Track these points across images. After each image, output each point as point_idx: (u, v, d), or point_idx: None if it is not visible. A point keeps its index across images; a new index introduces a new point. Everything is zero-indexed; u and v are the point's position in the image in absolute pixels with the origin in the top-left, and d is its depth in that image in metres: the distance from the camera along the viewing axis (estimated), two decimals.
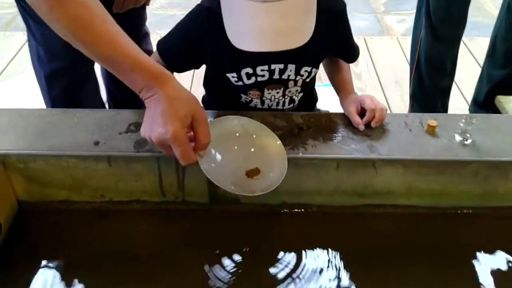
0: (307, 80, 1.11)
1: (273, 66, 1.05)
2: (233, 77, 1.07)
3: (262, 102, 1.12)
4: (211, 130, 0.86)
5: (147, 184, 0.98)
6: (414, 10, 1.84)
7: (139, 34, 1.43)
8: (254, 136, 0.97)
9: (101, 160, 0.94)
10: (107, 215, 1.01)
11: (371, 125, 1.02)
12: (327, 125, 1.04)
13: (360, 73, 2.51)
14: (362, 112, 1.05)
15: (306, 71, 1.08)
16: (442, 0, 1.64)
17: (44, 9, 0.78)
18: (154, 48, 1.41)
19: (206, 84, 1.23)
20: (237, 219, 1.02)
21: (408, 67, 2.05)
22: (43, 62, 1.28)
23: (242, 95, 1.11)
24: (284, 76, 1.07)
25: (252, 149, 0.97)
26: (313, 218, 1.02)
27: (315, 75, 1.14)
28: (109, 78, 1.48)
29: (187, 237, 1.01)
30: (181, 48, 1.09)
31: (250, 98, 1.11)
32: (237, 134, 0.97)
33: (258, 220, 1.02)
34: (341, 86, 1.16)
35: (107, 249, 0.99)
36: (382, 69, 2.55)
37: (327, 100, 1.50)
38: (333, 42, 1.12)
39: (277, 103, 1.13)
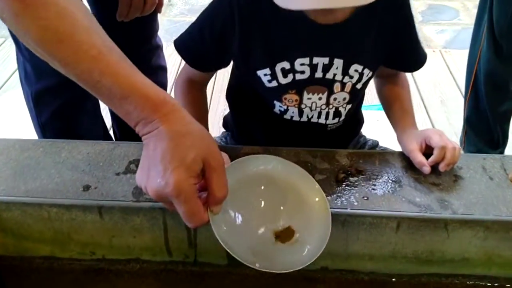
0: (358, 86, 0.88)
1: (315, 60, 0.83)
2: (265, 74, 0.85)
3: (301, 113, 0.89)
4: (229, 176, 0.63)
5: (148, 241, 0.76)
6: (454, 20, 1.59)
7: (149, 47, 1.22)
8: (287, 186, 0.73)
9: (91, 210, 0.73)
10: (99, 275, 0.80)
11: (439, 168, 0.78)
12: (382, 169, 0.81)
13: None
14: (426, 152, 0.81)
15: (356, 71, 0.86)
16: (509, 10, 1.38)
17: (8, 16, 0.57)
18: (169, 63, 1.20)
19: (230, 94, 1.02)
20: (260, 286, 0.79)
21: (454, 84, 1.80)
22: (30, 81, 1.08)
23: (275, 102, 0.89)
24: (329, 75, 0.85)
25: (283, 207, 0.72)
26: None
27: (367, 81, 0.90)
28: None
29: None
30: (204, 40, 0.86)
31: (285, 107, 0.89)
32: (264, 183, 0.73)
33: None
34: (400, 116, 0.93)
35: None
36: (424, 86, 2.30)
37: (371, 125, 1.27)
38: (393, 38, 0.88)
39: (319, 115, 0.90)
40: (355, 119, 1.05)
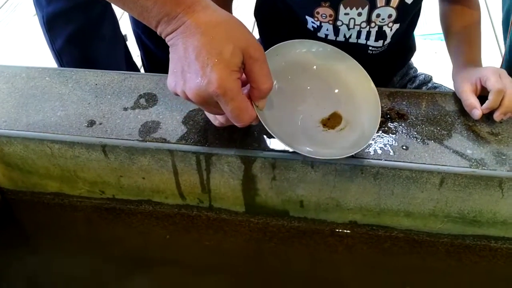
0: (407, 0, 0.73)
1: None
2: None
3: (336, 31, 0.77)
4: (270, 65, 0.55)
5: (159, 183, 0.70)
6: None
7: None
8: (331, 71, 0.66)
9: (94, 148, 0.66)
10: (111, 214, 0.76)
11: (494, 117, 0.65)
12: (429, 112, 0.68)
13: None
14: (483, 94, 0.68)
15: None
16: None
17: None
18: None
19: (259, 10, 0.90)
20: (282, 239, 0.72)
21: None
22: (41, 3, 0.99)
23: (307, 18, 0.77)
24: None
25: (328, 93, 0.66)
26: (396, 245, 0.70)
27: None
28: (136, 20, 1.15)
29: (215, 255, 0.74)
30: None
31: (319, 23, 0.77)
32: (307, 69, 0.66)
33: (314, 244, 0.72)
34: (461, 47, 0.77)
35: (113, 255, 0.75)
36: (497, 8, 2.04)
37: (427, 57, 1.12)
38: None
39: (359, 34, 0.77)
40: (406, 45, 0.90)
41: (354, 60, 0.65)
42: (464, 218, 0.66)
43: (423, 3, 0.80)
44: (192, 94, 0.52)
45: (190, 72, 0.51)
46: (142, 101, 0.70)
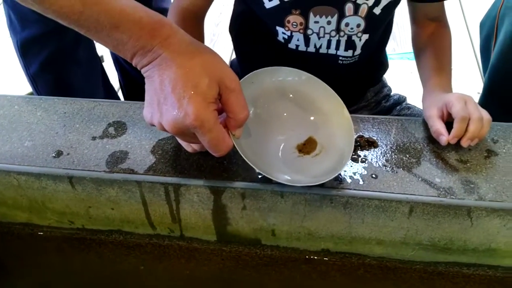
0: (375, 10, 0.74)
1: None
2: None
3: (307, 40, 0.78)
4: (245, 92, 0.56)
5: (128, 213, 0.69)
6: None
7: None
8: (310, 97, 0.66)
9: (61, 180, 0.65)
10: (82, 244, 0.74)
11: (461, 143, 0.65)
12: (399, 140, 0.68)
13: None
14: (450, 120, 0.68)
15: None
16: None
17: None
18: None
19: (233, 25, 0.92)
20: (256, 267, 0.71)
21: None
22: (15, 29, 0.99)
23: (278, 28, 0.78)
24: None
25: (302, 120, 0.66)
26: (368, 273, 0.70)
27: (389, 7, 0.75)
28: None
29: (188, 285, 0.73)
30: None
31: (290, 33, 0.77)
32: (281, 96, 0.66)
33: (287, 271, 0.71)
34: (428, 73, 0.78)
35: (85, 284, 0.74)
36: (476, 29, 2.06)
37: (402, 77, 1.12)
38: None
39: (329, 44, 0.78)
40: (377, 59, 0.91)
41: (329, 88, 0.66)
42: (435, 246, 0.66)
43: (400, 22, 0.81)
44: (169, 126, 0.52)
45: (166, 104, 0.51)
46: (111, 129, 0.70)
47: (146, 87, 0.54)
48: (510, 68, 1.17)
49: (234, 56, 0.98)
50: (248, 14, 0.84)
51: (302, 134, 0.66)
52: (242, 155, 0.57)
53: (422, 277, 0.69)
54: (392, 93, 0.96)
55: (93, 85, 1.09)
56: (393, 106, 0.92)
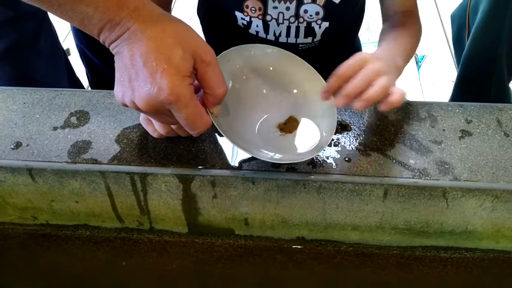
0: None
1: None
2: None
3: (266, 27, 0.76)
4: (222, 70, 0.53)
5: (93, 206, 0.66)
6: None
7: None
8: (289, 73, 0.64)
9: (20, 172, 0.62)
10: (47, 241, 0.71)
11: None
12: (372, 122, 0.66)
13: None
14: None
15: None
16: None
17: None
18: None
19: (199, 10, 0.90)
20: (230, 258, 0.69)
21: None
22: None
23: (237, 13, 0.76)
24: None
25: (295, 91, 0.64)
26: (346, 261, 0.68)
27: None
28: (78, 32, 1.10)
29: (161, 279, 0.70)
30: None
31: (249, 18, 0.76)
32: (260, 73, 0.64)
33: (262, 262, 0.69)
34: (386, 39, 0.74)
35: (52, 282, 0.71)
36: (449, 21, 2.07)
37: None
38: None
39: (288, 31, 0.76)
40: (350, 46, 0.89)
41: (310, 66, 0.64)
42: (411, 230, 0.64)
43: (374, 13, 0.79)
44: (142, 103, 0.49)
45: (138, 80, 0.48)
46: (73, 119, 0.66)
47: (116, 64, 0.50)
48: (483, 57, 1.17)
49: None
50: None
51: (283, 113, 0.64)
52: (222, 133, 0.54)
53: (399, 262, 0.68)
54: None
55: (57, 78, 1.05)
56: None
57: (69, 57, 1.19)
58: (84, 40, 1.10)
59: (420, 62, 1.53)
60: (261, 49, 0.64)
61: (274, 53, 0.64)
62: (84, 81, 1.32)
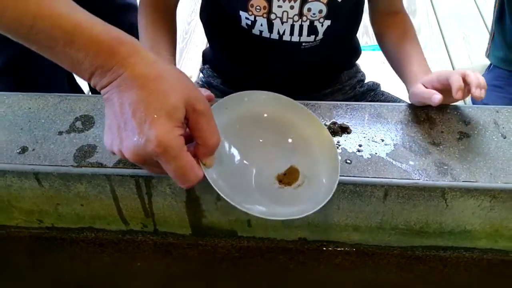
0: None
1: None
2: None
3: (270, 26, 0.78)
4: (216, 118, 0.52)
5: (99, 209, 0.67)
6: None
7: (113, 5, 1.02)
8: (281, 122, 0.63)
9: (27, 176, 0.63)
10: (53, 244, 0.72)
11: (472, 92, 0.64)
12: (372, 125, 0.68)
13: (419, 26, 2.06)
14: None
15: None
16: None
17: None
18: None
19: (202, 13, 0.92)
20: (233, 260, 0.70)
21: (479, 18, 1.62)
22: None
23: (241, 13, 0.77)
24: None
25: (281, 147, 0.62)
26: (346, 261, 0.69)
27: None
28: None
29: (165, 281, 0.71)
30: None
31: (253, 17, 0.77)
32: (256, 122, 0.62)
33: (264, 262, 0.70)
34: (408, 61, 0.79)
35: (57, 285, 0.72)
36: (446, 20, 2.09)
37: (376, 68, 1.13)
38: None
39: (292, 30, 0.78)
40: (348, 45, 0.92)
41: (308, 110, 0.63)
42: (411, 230, 0.65)
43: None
44: (129, 153, 0.47)
45: (126, 130, 0.47)
46: (78, 124, 0.67)
47: (106, 110, 0.49)
48: None
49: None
50: (214, 0, 0.83)
51: (282, 163, 0.61)
52: (214, 187, 0.52)
53: (400, 262, 0.69)
54: (366, 81, 0.96)
55: (57, 85, 1.06)
56: (367, 92, 0.93)
57: None
58: None
59: None
60: (256, 95, 0.62)
61: (269, 99, 0.62)
62: (84, 86, 1.33)
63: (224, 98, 0.60)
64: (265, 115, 0.63)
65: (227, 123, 0.59)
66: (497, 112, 0.69)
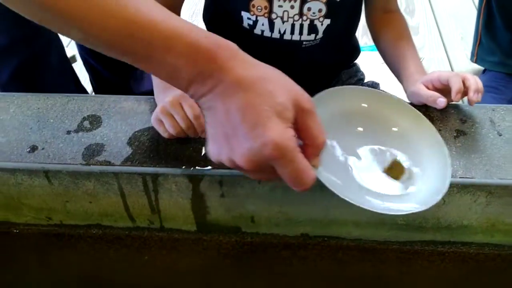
0: None
1: None
2: None
3: (271, 25, 0.81)
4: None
5: (106, 206, 0.69)
6: None
7: None
8: (383, 116, 0.63)
9: (37, 174, 0.65)
10: (61, 241, 0.74)
11: (469, 98, 0.67)
12: None
13: (417, 26, 2.08)
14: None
15: None
16: None
17: None
18: None
19: (205, 15, 0.94)
20: (237, 255, 0.72)
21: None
22: None
23: (243, 13, 0.80)
24: None
25: (384, 142, 0.62)
26: (347, 256, 0.71)
27: None
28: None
29: (171, 276, 0.73)
30: None
31: (254, 18, 0.80)
32: (358, 118, 0.62)
33: (268, 258, 0.72)
34: (404, 61, 0.81)
35: (65, 281, 0.74)
36: (444, 21, 2.11)
37: (375, 68, 1.15)
38: None
39: (292, 29, 0.81)
40: (347, 43, 0.95)
41: (403, 101, 0.64)
42: (410, 225, 0.67)
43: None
44: (244, 160, 0.45)
45: (237, 136, 0.44)
46: (86, 123, 0.69)
47: (207, 119, 0.47)
48: None
49: None
50: (216, 1, 0.86)
51: (385, 156, 0.62)
52: (329, 187, 0.52)
53: (399, 257, 0.71)
54: (366, 80, 0.99)
55: (65, 88, 1.08)
56: None
57: (74, 64, 1.22)
58: (87, 49, 1.13)
59: None
60: (350, 90, 0.64)
61: (365, 91, 0.63)
62: (88, 87, 1.35)
63: (319, 94, 0.60)
64: (363, 108, 0.63)
65: (325, 119, 0.57)
66: (493, 110, 0.71)
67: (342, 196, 0.53)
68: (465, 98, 0.69)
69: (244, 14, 0.80)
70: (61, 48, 1.06)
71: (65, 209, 0.70)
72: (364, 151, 0.62)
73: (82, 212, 0.70)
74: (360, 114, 0.63)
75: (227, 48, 0.46)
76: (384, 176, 0.60)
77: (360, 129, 0.63)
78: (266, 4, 0.77)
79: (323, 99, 0.60)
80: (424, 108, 0.71)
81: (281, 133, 0.44)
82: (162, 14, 0.45)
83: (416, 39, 2.00)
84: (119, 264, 0.74)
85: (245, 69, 0.45)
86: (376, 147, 0.62)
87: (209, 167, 0.64)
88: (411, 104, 0.68)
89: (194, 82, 0.45)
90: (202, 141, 0.66)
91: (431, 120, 0.69)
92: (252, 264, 0.73)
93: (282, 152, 0.44)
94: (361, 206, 0.53)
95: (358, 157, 0.61)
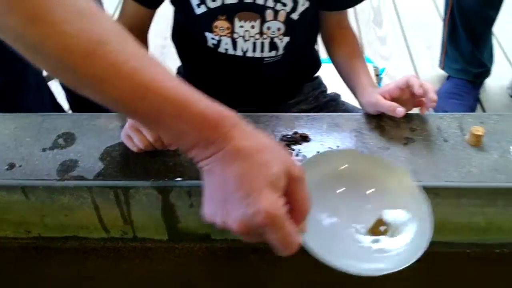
0: (293, 16, 0.84)
1: None
2: None
3: (234, 44, 0.86)
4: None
5: (82, 219, 0.72)
6: None
7: None
8: (365, 177, 0.66)
9: (15, 191, 0.69)
10: (40, 253, 0.77)
11: (426, 99, 0.75)
12: (330, 133, 0.75)
13: (384, 37, 2.16)
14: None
15: None
16: None
17: (15, 24, 0.45)
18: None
19: (173, 35, 0.99)
20: (208, 261, 0.76)
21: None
22: None
23: (207, 34, 0.85)
24: (259, 1, 0.81)
25: (366, 201, 0.65)
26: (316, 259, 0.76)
27: (306, 14, 0.85)
28: None
29: (145, 284, 0.77)
30: None
31: (218, 37, 0.85)
32: (338, 181, 0.65)
33: (236, 263, 0.76)
34: (358, 75, 0.87)
35: None
36: (410, 30, 2.20)
37: (335, 80, 1.21)
38: None
39: (254, 47, 0.86)
40: (308, 57, 1.01)
41: (384, 159, 0.68)
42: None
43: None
44: (237, 225, 0.48)
45: (232, 202, 0.48)
46: (60, 140, 0.73)
47: (206, 181, 0.50)
48: None
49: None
50: (182, 22, 0.91)
51: (369, 217, 0.64)
52: (316, 255, 0.55)
53: None
54: (328, 92, 1.04)
55: (43, 107, 1.12)
56: (329, 102, 1.01)
57: (50, 82, 1.26)
58: None
59: (381, 75, 1.64)
60: (330, 153, 0.67)
61: (349, 157, 0.66)
62: (65, 104, 1.39)
63: (305, 161, 0.64)
64: (343, 170, 0.66)
65: (314, 181, 0.60)
66: (440, 118, 0.77)
67: (331, 263, 0.56)
68: (417, 109, 0.75)
69: (208, 35, 0.85)
70: (38, 69, 1.10)
71: (43, 222, 0.73)
72: (348, 211, 0.64)
73: (59, 225, 0.74)
74: (343, 176, 0.66)
75: (230, 117, 0.49)
76: (368, 236, 0.63)
77: (343, 189, 0.65)
78: (228, 25, 0.83)
79: (307, 164, 0.64)
80: (378, 118, 0.77)
81: (272, 202, 0.47)
82: (173, 81, 0.49)
83: (383, 49, 2.09)
84: (97, 275, 0.78)
85: (245, 139, 0.49)
86: (359, 205, 0.65)
87: (178, 179, 0.68)
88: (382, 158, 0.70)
89: (197, 146, 0.49)
90: (170, 154, 0.71)
91: (383, 129, 0.75)
92: (223, 269, 0.77)
93: (273, 220, 0.47)
94: (353, 272, 0.56)
95: (343, 218, 0.64)
